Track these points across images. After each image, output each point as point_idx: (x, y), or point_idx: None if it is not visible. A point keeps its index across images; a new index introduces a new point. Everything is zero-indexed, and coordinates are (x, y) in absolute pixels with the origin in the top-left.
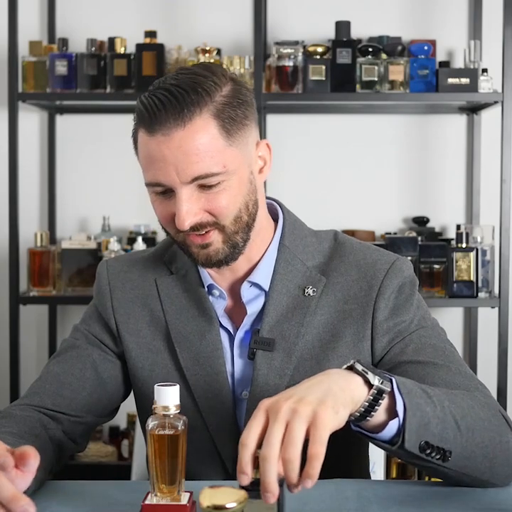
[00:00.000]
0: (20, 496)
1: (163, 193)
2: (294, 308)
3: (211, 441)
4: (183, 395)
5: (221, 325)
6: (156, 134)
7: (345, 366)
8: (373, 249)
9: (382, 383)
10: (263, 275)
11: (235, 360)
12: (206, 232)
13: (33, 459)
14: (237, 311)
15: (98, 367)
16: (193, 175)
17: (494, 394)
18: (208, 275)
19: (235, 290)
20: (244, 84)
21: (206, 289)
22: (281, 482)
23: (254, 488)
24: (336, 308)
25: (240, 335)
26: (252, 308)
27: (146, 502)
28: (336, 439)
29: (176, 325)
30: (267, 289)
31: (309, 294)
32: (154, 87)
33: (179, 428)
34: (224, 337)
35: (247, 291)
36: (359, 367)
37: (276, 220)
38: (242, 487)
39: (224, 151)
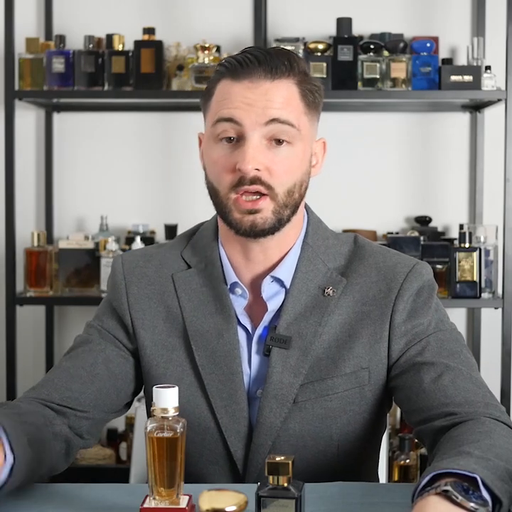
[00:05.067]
0: None
1: (229, 141)
2: (313, 307)
3: (223, 442)
4: (197, 393)
5: (240, 323)
6: (244, 80)
7: (434, 491)
8: (393, 253)
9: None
10: (286, 272)
11: (252, 358)
12: (258, 199)
13: None
14: (256, 308)
15: (110, 362)
16: (273, 115)
17: (497, 395)
18: (232, 272)
19: (256, 285)
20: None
21: (228, 286)
22: (301, 487)
23: (272, 494)
24: (354, 309)
25: (258, 332)
26: (272, 305)
27: (145, 505)
28: (350, 440)
29: (193, 322)
30: (287, 286)
31: (329, 294)
32: (242, 51)
33: (178, 430)
34: (242, 335)
35: (268, 286)
36: (458, 498)
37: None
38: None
39: (301, 114)
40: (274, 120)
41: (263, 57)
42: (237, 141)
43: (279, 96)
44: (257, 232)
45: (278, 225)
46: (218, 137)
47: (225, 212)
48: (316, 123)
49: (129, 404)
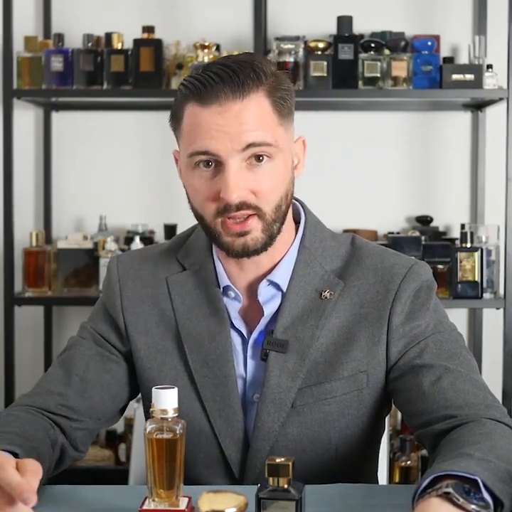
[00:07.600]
0: (26, 486)
1: (207, 165)
2: (310, 310)
3: (218, 446)
4: (191, 396)
5: (234, 327)
6: (212, 104)
7: (435, 492)
8: (391, 253)
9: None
10: (283, 275)
11: (247, 362)
12: (245, 220)
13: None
14: (252, 312)
15: (103, 368)
16: (248, 141)
17: (499, 396)
18: (225, 276)
19: (252, 289)
20: (287, 78)
21: (221, 289)
22: (301, 488)
23: (272, 496)
24: (351, 311)
25: (254, 336)
26: (268, 309)
27: (144, 507)
28: (348, 443)
29: (186, 325)
30: (284, 290)
31: (326, 297)
32: (203, 67)
33: (177, 432)
34: (236, 339)
35: (264, 290)
36: (460, 500)
37: (298, 221)
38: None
39: (276, 128)
40: (250, 145)
41: (227, 75)
42: (216, 166)
43: (251, 116)
44: (249, 253)
45: (269, 241)
46: (196, 164)
47: (215, 236)
48: (292, 126)
49: (122, 410)
